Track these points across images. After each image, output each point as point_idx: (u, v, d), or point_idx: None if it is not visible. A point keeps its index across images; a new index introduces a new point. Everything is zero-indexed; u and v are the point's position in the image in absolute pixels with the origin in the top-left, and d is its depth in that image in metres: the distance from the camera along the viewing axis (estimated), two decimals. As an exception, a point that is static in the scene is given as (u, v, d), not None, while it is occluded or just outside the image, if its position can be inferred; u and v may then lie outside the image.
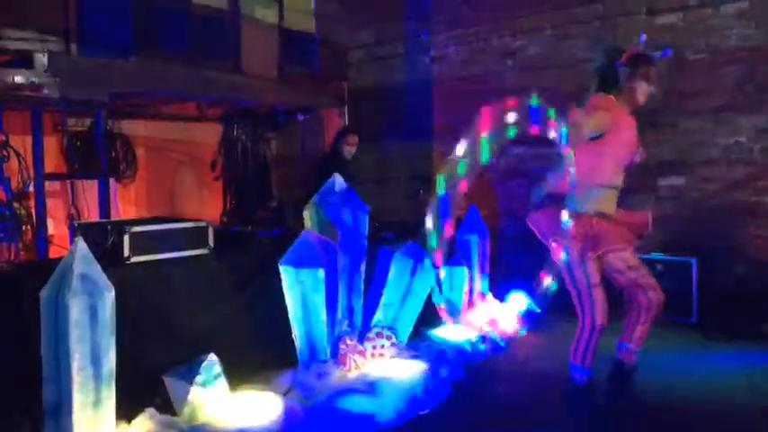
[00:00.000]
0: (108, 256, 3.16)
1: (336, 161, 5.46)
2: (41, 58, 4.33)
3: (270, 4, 6.29)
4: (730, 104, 5.30)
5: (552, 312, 5.38)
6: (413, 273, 4.26)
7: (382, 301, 4.20)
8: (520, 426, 3.37)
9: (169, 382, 3.16)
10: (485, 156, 3.26)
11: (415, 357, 4.01)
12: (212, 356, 3.19)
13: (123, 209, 5.70)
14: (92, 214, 5.08)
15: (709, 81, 5.37)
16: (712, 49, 5.35)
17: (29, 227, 4.70)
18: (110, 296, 2.79)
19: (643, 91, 3.43)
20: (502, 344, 4.65)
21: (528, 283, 5.56)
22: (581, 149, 3.27)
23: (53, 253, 4.56)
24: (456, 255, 5.19)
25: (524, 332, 4.84)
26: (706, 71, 5.38)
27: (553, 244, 3.41)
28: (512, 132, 3.25)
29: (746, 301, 5.07)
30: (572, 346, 3.54)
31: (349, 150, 5.64)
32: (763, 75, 5.15)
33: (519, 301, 5.40)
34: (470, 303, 5.17)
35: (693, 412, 3.51)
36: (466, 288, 5.10)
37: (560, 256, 3.38)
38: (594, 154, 3.33)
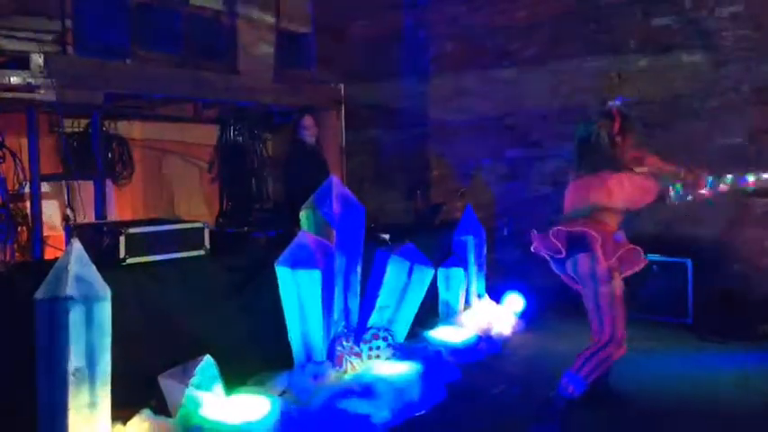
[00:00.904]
0: (104, 258, 3.15)
1: (303, 151, 5.31)
2: (37, 59, 4.32)
3: (266, 5, 6.29)
4: (725, 106, 5.32)
5: (548, 313, 5.42)
6: (409, 274, 4.26)
7: (378, 302, 4.21)
8: (515, 427, 3.37)
9: (164, 383, 3.15)
10: None
11: (410, 359, 4.01)
12: (208, 358, 3.19)
13: (119, 210, 5.69)
14: (88, 216, 5.07)
15: (704, 83, 5.39)
16: (708, 50, 5.37)
17: (24, 228, 4.69)
18: (105, 298, 2.79)
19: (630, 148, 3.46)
20: None
21: (524, 284, 5.60)
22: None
23: (48, 254, 4.55)
24: (452, 256, 5.20)
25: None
26: (701, 73, 5.40)
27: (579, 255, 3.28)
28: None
29: (741, 302, 5.09)
30: (581, 358, 3.29)
31: (309, 134, 5.33)
32: (758, 77, 5.17)
33: (515, 302, 5.42)
34: (467, 304, 5.18)
35: (687, 412, 3.52)
36: (462, 289, 5.11)
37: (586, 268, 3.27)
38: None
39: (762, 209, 5.22)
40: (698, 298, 5.13)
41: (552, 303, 5.47)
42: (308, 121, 5.34)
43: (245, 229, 4.54)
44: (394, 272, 4.23)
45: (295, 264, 3.68)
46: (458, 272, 5.07)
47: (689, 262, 5.15)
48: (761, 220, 5.22)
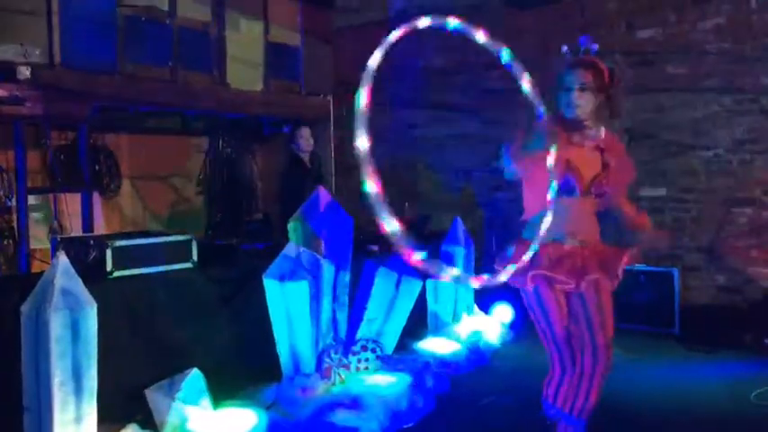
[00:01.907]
0: (90, 271, 3.14)
1: (298, 163, 5.32)
2: (24, 72, 4.32)
3: (255, 16, 6.32)
4: (709, 117, 5.39)
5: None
6: (397, 286, 4.27)
7: (367, 314, 4.21)
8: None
9: (151, 397, 3.14)
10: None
11: (399, 370, 4.01)
12: (195, 371, 3.18)
13: (107, 223, 5.67)
14: (75, 229, 5.05)
15: (688, 94, 5.46)
16: (691, 62, 5.44)
17: (11, 241, 4.67)
18: (92, 311, 2.78)
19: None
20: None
21: (513, 295, 5.61)
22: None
23: (35, 268, 4.53)
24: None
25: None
26: (685, 84, 5.47)
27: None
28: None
29: (727, 311, 5.13)
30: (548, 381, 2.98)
31: (305, 144, 5.33)
32: (741, 88, 5.25)
33: (504, 313, 5.43)
34: (455, 316, 5.19)
35: (674, 422, 3.54)
36: (451, 300, 5.11)
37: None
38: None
39: (748, 218, 5.28)
40: (685, 308, 5.17)
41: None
42: (304, 132, 5.34)
43: (234, 241, 4.54)
44: (382, 283, 4.24)
45: (283, 276, 3.68)
46: (446, 283, 5.08)
47: (675, 272, 5.20)
48: (747, 229, 5.27)
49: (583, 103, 2.80)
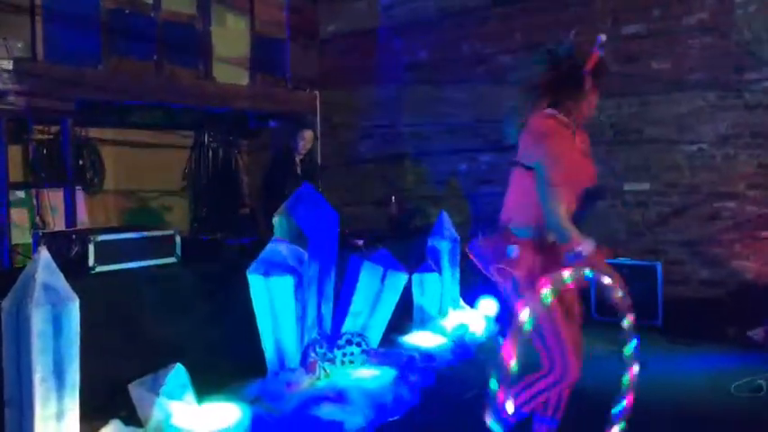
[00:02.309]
0: (72, 266, 3.12)
1: (286, 160, 5.38)
2: (6, 65, 4.27)
3: (241, 10, 6.29)
4: (693, 112, 5.43)
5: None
6: (382, 280, 4.28)
7: (352, 308, 4.22)
8: None
9: (135, 392, 3.12)
10: None
11: (384, 364, 4.02)
12: (179, 366, 3.17)
13: (90, 218, 5.63)
14: (58, 224, 5.01)
15: (672, 89, 5.50)
16: (676, 58, 5.48)
17: (-7, 236, 4.62)
18: (74, 306, 2.75)
19: (592, 103, 2.77)
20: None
21: (498, 289, 5.64)
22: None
23: (17, 263, 4.49)
24: (427, 261, 5.23)
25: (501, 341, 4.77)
26: (669, 79, 5.51)
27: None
28: None
29: (710, 304, 5.19)
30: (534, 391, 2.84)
31: (303, 146, 5.45)
32: (725, 83, 5.29)
33: (489, 306, 5.46)
34: (441, 309, 5.21)
35: (656, 414, 3.57)
36: (437, 294, 5.13)
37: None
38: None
39: (732, 212, 5.33)
40: (668, 301, 5.22)
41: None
42: (307, 134, 5.46)
43: (219, 235, 4.52)
44: (367, 277, 4.24)
45: (268, 271, 3.67)
46: (432, 277, 5.10)
47: (659, 265, 5.24)
48: (730, 223, 5.33)
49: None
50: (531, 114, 2.74)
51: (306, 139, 5.46)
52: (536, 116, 2.73)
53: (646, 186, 5.61)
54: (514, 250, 2.72)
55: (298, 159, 5.43)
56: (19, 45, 4.61)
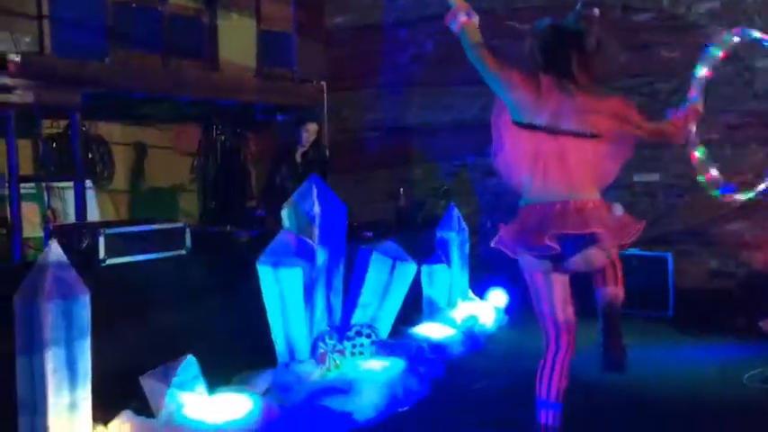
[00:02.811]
0: (83, 259, 3.14)
1: (293, 153, 5.48)
2: (14, 59, 4.28)
3: (247, 3, 6.27)
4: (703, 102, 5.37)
5: (531, 309, 5.45)
6: (391, 271, 4.28)
7: (361, 299, 4.22)
8: (497, 423, 3.40)
9: (146, 383, 3.14)
10: None
11: (394, 355, 4.03)
12: (190, 357, 3.18)
13: (101, 211, 5.65)
14: (69, 217, 5.03)
15: (681, 79, 5.45)
16: (686, 46, 5.43)
17: (4, 230, 4.64)
18: (85, 299, 2.77)
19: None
20: None
21: (507, 280, 5.63)
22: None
23: (29, 257, 4.51)
24: (436, 253, 5.22)
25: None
26: (679, 69, 5.46)
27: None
28: None
29: (720, 295, 5.16)
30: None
31: (307, 138, 5.56)
32: (733, 73, 5.24)
33: (498, 297, 5.45)
34: (450, 301, 5.21)
35: (667, 405, 3.57)
36: (446, 285, 5.13)
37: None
38: None
39: (741, 202, 5.28)
40: (678, 292, 5.20)
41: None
42: (310, 127, 5.56)
43: (228, 228, 4.53)
44: (376, 269, 4.24)
45: (277, 262, 3.68)
46: (441, 268, 5.10)
47: (669, 256, 5.22)
48: (741, 213, 5.29)
49: None
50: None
51: (309, 131, 5.54)
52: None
53: (655, 177, 5.58)
54: (619, 208, 2.70)
55: (301, 152, 5.48)
56: (26, 39, 4.62)
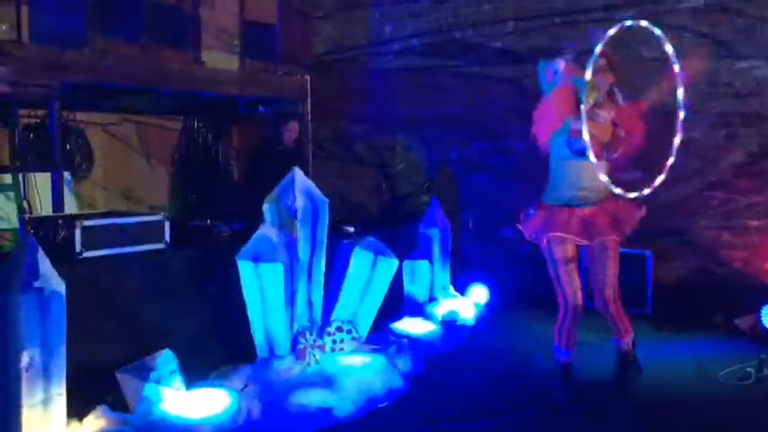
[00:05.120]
0: (59, 251, 3.09)
1: (276, 149, 5.56)
2: (-10, 47, 4.19)
3: (231, -6, 6.20)
4: (684, 100, 5.41)
5: (512, 305, 5.48)
6: (372, 267, 4.26)
7: (342, 295, 4.20)
8: (476, 418, 3.40)
9: (123, 378, 3.11)
10: None
11: (374, 351, 4.02)
12: (167, 352, 3.15)
13: (79, 203, 5.56)
14: (45, 209, 4.94)
15: (663, 78, 5.48)
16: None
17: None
18: (60, 292, 2.73)
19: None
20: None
21: (488, 276, 5.65)
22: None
23: (4, 248, 4.43)
24: (418, 248, 5.22)
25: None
26: (660, 68, 5.49)
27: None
28: None
29: (698, 293, 5.22)
30: (555, 327, 3.65)
31: (289, 137, 5.72)
32: (715, 72, 5.28)
33: (479, 293, 5.47)
34: (432, 296, 5.21)
35: (645, 401, 3.60)
36: (427, 281, 5.13)
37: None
38: None
39: (720, 201, 5.34)
40: (657, 289, 5.24)
41: (516, 295, 5.54)
42: (293, 126, 5.79)
43: (209, 221, 4.48)
44: (357, 264, 4.22)
45: (257, 257, 3.65)
46: (423, 264, 5.10)
47: (648, 254, 5.26)
48: (718, 212, 5.34)
49: (600, 85, 3.46)
50: None
51: (292, 130, 5.70)
52: None
53: (637, 175, 5.60)
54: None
55: (282, 149, 5.53)
56: (3, 27, 4.52)
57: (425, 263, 5.11)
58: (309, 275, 4.00)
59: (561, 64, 3.42)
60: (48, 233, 3.20)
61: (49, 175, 4.86)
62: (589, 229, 3.50)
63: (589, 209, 3.52)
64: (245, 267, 3.65)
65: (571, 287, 3.54)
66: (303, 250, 3.91)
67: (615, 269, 3.61)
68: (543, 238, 3.55)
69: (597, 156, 3.34)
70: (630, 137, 3.57)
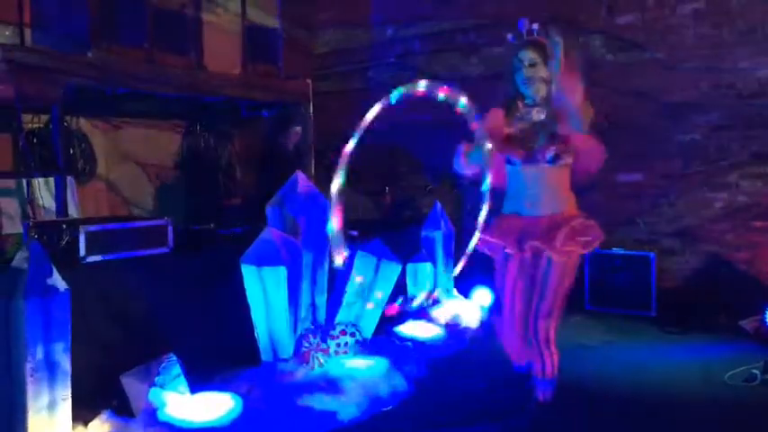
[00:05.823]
0: (63, 256, 3.09)
1: (279, 152, 5.63)
2: (-7, 52, 4.20)
3: (233, -2, 6.21)
4: (686, 102, 5.42)
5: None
6: (376, 270, 4.26)
7: (345, 298, 4.20)
8: (480, 421, 3.40)
9: (127, 383, 3.10)
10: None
11: (377, 354, 4.02)
12: (171, 356, 3.15)
13: (82, 208, 5.57)
14: (49, 214, 4.95)
15: (666, 79, 5.48)
16: (670, 47, 5.46)
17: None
18: (64, 297, 2.73)
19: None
20: None
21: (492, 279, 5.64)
22: None
23: (8, 253, 4.43)
24: (421, 251, 5.21)
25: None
26: (663, 69, 5.50)
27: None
28: None
29: (702, 294, 5.21)
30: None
31: (292, 141, 5.82)
32: (718, 73, 5.28)
33: (483, 296, 5.46)
34: (435, 300, 5.20)
35: (649, 403, 3.59)
36: (430, 284, 5.12)
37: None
38: None
39: (724, 202, 5.34)
40: (661, 291, 5.23)
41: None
42: (295, 129, 5.88)
43: (212, 225, 4.48)
44: (361, 268, 4.22)
45: (260, 261, 3.65)
46: (426, 267, 5.09)
47: (652, 255, 5.25)
48: (722, 213, 5.33)
49: (536, 78, 3.13)
50: None
51: (294, 134, 5.82)
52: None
53: (638, 177, 5.61)
54: None
55: (290, 152, 5.56)
56: (6, 32, 4.54)
57: (428, 266, 5.11)
58: (313, 279, 4.00)
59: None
60: (52, 238, 3.20)
61: (52, 179, 4.88)
62: (523, 237, 3.13)
63: (531, 218, 3.16)
64: (248, 271, 3.65)
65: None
66: (306, 253, 3.91)
67: (554, 286, 3.09)
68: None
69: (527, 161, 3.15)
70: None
